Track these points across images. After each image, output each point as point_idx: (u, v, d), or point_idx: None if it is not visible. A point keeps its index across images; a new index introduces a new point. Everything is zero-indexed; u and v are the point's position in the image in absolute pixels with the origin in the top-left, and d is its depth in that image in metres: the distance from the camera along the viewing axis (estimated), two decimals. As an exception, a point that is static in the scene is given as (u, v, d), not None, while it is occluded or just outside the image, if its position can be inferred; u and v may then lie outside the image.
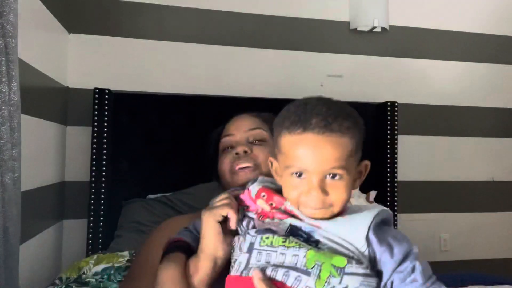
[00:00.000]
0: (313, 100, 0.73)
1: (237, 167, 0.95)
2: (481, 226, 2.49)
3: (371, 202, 2.05)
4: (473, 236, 2.47)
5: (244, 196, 0.76)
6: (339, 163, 0.68)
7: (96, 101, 1.86)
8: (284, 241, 0.66)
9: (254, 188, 0.75)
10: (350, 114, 0.71)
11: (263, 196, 0.74)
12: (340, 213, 0.71)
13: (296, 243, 0.65)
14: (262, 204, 0.73)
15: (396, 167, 2.20)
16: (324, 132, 0.67)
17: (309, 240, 0.67)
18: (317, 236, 0.68)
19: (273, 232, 0.68)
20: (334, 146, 0.67)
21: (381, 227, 0.69)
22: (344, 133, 0.68)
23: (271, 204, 0.72)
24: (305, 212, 0.70)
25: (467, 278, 1.82)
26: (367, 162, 0.76)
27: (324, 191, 0.68)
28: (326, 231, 0.68)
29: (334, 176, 0.68)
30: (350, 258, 0.63)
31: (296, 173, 0.69)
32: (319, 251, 0.64)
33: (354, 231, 0.67)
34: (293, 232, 0.68)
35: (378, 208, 0.71)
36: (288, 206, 0.71)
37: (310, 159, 0.68)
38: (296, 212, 0.70)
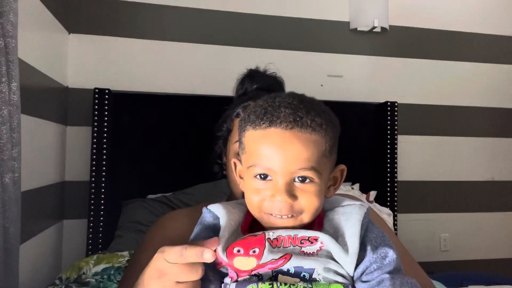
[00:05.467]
0: (284, 94, 0.65)
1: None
2: (481, 226, 2.49)
3: (371, 202, 2.05)
4: (473, 236, 2.47)
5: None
6: (309, 164, 0.59)
7: (96, 101, 1.86)
8: (272, 286, 0.56)
9: (220, 248, 0.59)
10: (324, 110, 0.63)
11: (239, 251, 0.58)
12: (315, 224, 0.62)
13: (285, 284, 0.57)
14: (242, 263, 0.58)
15: (396, 167, 2.20)
16: (293, 127, 0.58)
17: (301, 273, 0.58)
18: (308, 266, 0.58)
19: (258, 278, 0.58)
20: (304, 144, 0.58)
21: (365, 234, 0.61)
22: (316, 130, 0.59)
23: (254, 252, 0.58)
24: (272, 224, 0.61)
25: (467, 278, 1.82)
26: (343, 167, 0.67)
27: (292, 196, 0.59)
28: (324, 247, 0.59)
29: (304, 179, 0.59)
30: (346, 284, 0.58)
31: (260, 176, 0.60)
32: (313, 286, 0.57)
33: (345, 256, 0.58)
34: (280, 270, 0.58)
35: (356, 215, 0.62)
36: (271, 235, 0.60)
37: (276, 158, 0.58)
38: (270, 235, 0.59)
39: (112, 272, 1.46)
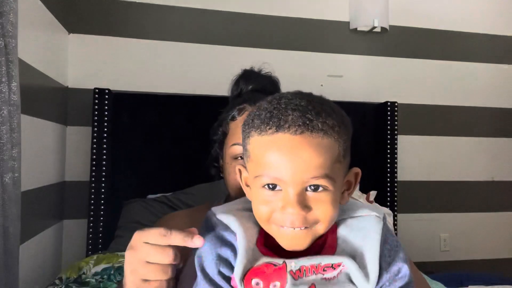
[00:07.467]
0: (290, 94, 0.59)
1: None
2: (481, 226, 2.49)
3: (371, 202, 2.05)
4: (473, 236, 2.47)
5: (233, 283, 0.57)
6: (322, 172, 0.53)
7: (96, 101, 1.86)
8: None
9: (237, 277, 0.55)
10: (335, 110, 0.58)
11: (257, 284, 0.54)
12: (328, 238, 0.59)
13: None
14: None
15: (396, 167, 2.20)
16: (302, 132, 0.53)
17: None
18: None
19: None
20: (316, 150, 0.53)
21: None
22: (328, 133, 0.54)
23: (275, 286, 0.54)
24: (282, 244, 0.57)
25: (467, 278, 1.82)
26: (357, 170, 0.61)
27: (305, 207, 0.54)
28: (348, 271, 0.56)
29: (316, 188, 0.54)
30: None
31: (269, 185, 0.55)
32: None
33: (365, 283, 0.56)
34: None
35: (375, 233, 0.58)
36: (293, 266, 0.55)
37: (285, 167, 0.53)
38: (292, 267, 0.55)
39: (112, 272, 1.46)
